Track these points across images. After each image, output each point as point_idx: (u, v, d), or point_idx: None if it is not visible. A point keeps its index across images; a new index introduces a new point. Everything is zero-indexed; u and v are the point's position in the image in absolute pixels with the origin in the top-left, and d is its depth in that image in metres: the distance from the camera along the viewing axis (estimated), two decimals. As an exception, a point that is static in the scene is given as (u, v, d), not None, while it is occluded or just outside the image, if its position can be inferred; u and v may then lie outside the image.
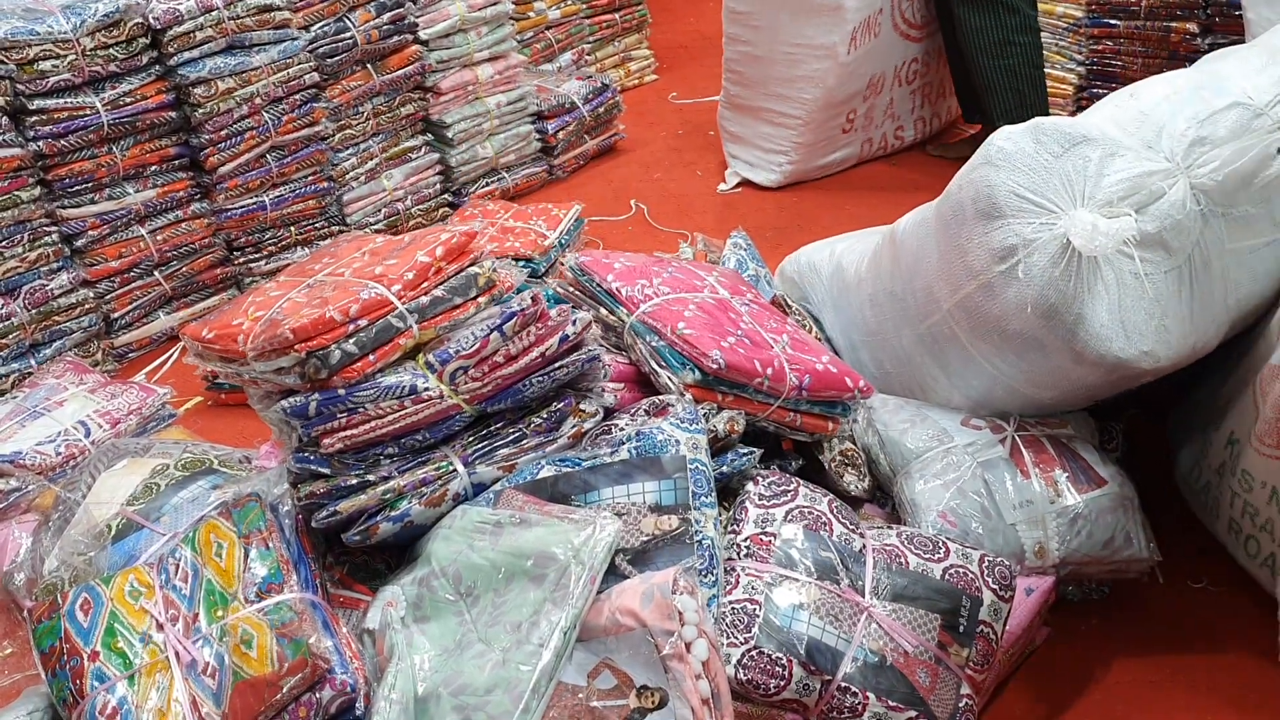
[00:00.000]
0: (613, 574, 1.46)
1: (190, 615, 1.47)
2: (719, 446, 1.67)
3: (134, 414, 2.55)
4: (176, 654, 1.43)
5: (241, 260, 3.15)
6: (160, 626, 1.46)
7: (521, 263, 2.92)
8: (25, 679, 1.90)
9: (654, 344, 1.76)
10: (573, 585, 1.41)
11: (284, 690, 1.35)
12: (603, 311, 1.85)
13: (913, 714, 1.43)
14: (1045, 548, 1.74)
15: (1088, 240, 1.57)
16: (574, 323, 1.66)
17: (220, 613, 1.46)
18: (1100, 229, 1.56)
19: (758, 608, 1.46)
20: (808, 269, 2.30)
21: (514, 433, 1.66)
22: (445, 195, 3.56)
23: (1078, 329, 1.63)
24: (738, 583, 1.49)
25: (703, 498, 1.52)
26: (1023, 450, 1.82)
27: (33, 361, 2.81)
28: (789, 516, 1.57)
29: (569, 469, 1.59)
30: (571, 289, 1.91)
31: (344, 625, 1.58)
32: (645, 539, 1.49)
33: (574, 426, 1.68)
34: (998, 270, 1.68)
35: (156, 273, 2.99)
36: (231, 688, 1.37)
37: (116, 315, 2.95)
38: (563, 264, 2.03)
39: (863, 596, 1.50)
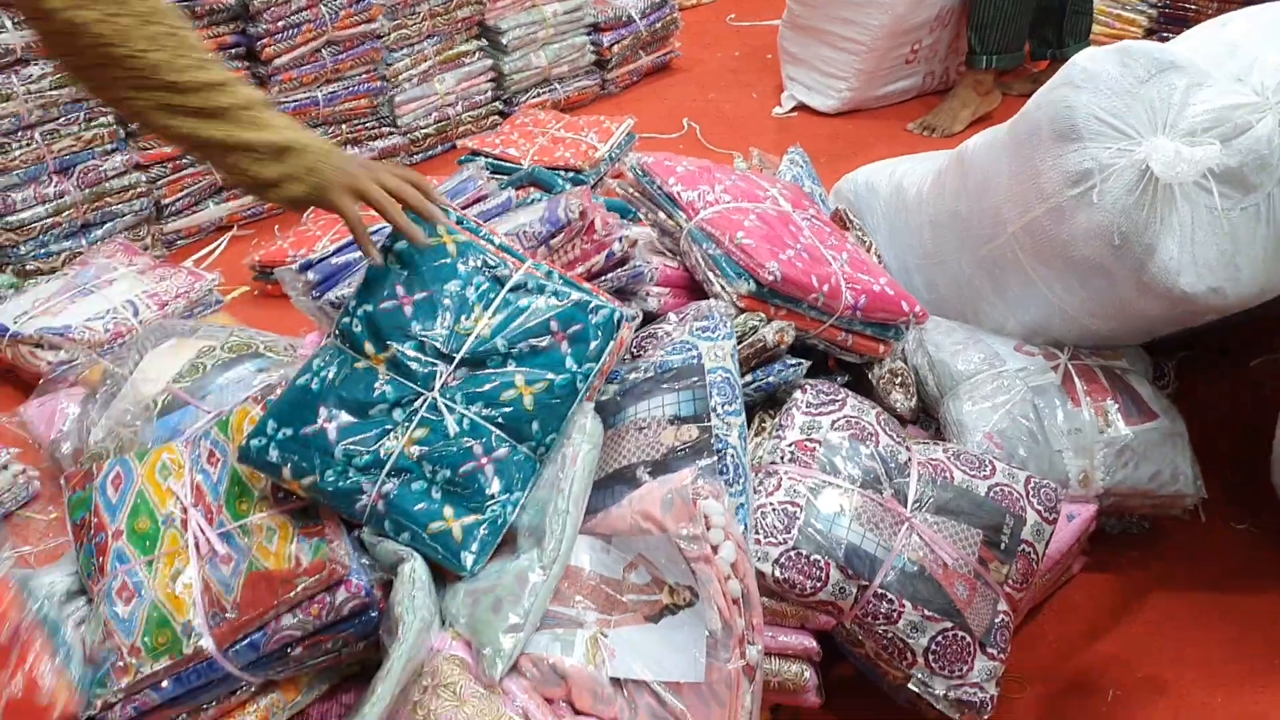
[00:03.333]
0: (634, 485, 1.45)
1: (214, 502, 1.47)
2: (767, 357, 1.65)
3: (181, 298, 2.57)
4: (197, 540, 1.43)
5: (292, 155, 3.14)
6: (184, 510, 1.46)
7: (570, 174, 2.91)
8: (69, 543, 1.93)
9: (710, 251, 1.74)
10: (565, 473, 1.41)
11: (299, 589, 1.34)
12: (661, 215, 1.83)
13: (948, 625, 1.43)
14: (1090, 477, 1.72)
15: (1169, 167, 1.53)
16: (621, 239, 1.65)
17: (244, 504, 1.45)
18: (1183, 156, 1.52)
19: (799, 510, 1.45)
20: (865, 190, 2.26)
21: None
22: (496, 104, 3.54)
23: (1147, 260, 1.60)
24: (779, 486, 1.49)
25: (726, 406, 1.50)
26: (1075, 378, 1.79)
27: (84, 241, 2.83)
28: (835, 425, 1.56)
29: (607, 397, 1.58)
30: (631, 190, 1.89)
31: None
32: (665, 451, 1.47)
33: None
34: (1070, 194, 1.64)
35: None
36: (246, 577, 1.37)
37: (167, 202, 2.96)
38: (623, 165, 2.02)
39: (905, 507, 1.49)
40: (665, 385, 1.50)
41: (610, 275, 1.66)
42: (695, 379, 1.49)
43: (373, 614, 1.39)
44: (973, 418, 1.74)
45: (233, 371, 2.06)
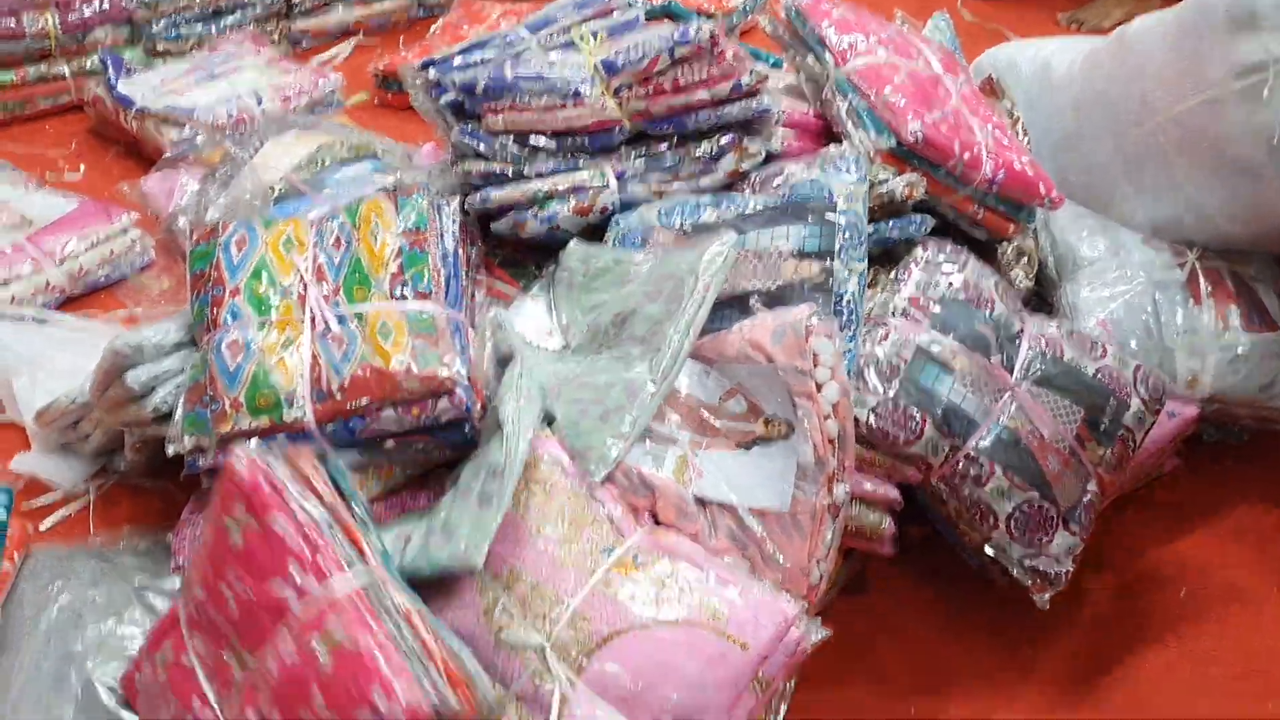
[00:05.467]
0: (747, 314, 1.45)
1: (334, 286, 1.48)
2: (892, 210, 1.62)
3: (304, 94, 2.59)
4: (313, 316, 1.44)
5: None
6: (304, 284, 1.47)
7: (703, 18, 2.85)
8: (177, 310, 1.99)
9: (854, 103, 1.69)
10: (685, 294, 1.41)
11: (404, 390, 1.36)
12: (809, 59, 1.79)
13: (1034, 495, 1.43)
14: (1199, 379, 1.69)
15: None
16: (751, 73, 1.62)
17: (361, 293, 1.46)
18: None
19: (903, 364, 1.45)
20: (1006, 66, 2.18)
21: (672, 158, 1.65)
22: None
23: (1306, 167, 1.53)
24: (887, 338, 1.48)
25: (850, 250, 1.48)
26: (1200, 278, 1.74)
27: (213, 28, 2.85)
28: (952, 286, 1.54)
29: (724, 211, 1.57)
30: (781, 30, 1.85)
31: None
32: (783, 283, 1.46)
33: (733, 164, 1.66)
34: (1235, 87, 1.57)
35: (343, -38, 2.99)
36: (356, 365, 1.38)
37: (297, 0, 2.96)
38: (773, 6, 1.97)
39: (1011, 375, 1.48)
40: (792, 216, 1.49)
41: (735, 106, 1.63)
42: (825, 216, 1.48)
43: (467, 429, 1.42)
44: (1089, 303, 1.71)
45: (351, 169, 2.09)
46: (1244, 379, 1.69)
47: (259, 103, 2.51)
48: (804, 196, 1.52)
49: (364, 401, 1.37)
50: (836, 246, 1.46)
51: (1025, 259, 1.78)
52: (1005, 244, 1.79)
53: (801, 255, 1.46)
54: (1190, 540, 1.67)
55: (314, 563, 1.14)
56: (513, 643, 1.24)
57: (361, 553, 1.18)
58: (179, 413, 1.41)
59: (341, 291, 1.48)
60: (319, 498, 1.22)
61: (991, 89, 1.95)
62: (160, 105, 2.46)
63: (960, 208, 1.72)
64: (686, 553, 1.29)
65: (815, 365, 1.32)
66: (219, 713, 1.19)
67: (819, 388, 1.32)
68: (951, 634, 1.52)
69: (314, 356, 1.40)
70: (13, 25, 2.58)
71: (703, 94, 1.61)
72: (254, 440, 1.25)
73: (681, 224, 1.58)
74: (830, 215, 1.48)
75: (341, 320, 1.44)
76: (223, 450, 1.37)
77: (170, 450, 1.40)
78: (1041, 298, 1.84)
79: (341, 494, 1.26)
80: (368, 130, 2.34)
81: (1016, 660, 1.50)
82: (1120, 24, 3.16)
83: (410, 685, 1.06)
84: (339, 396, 1.38)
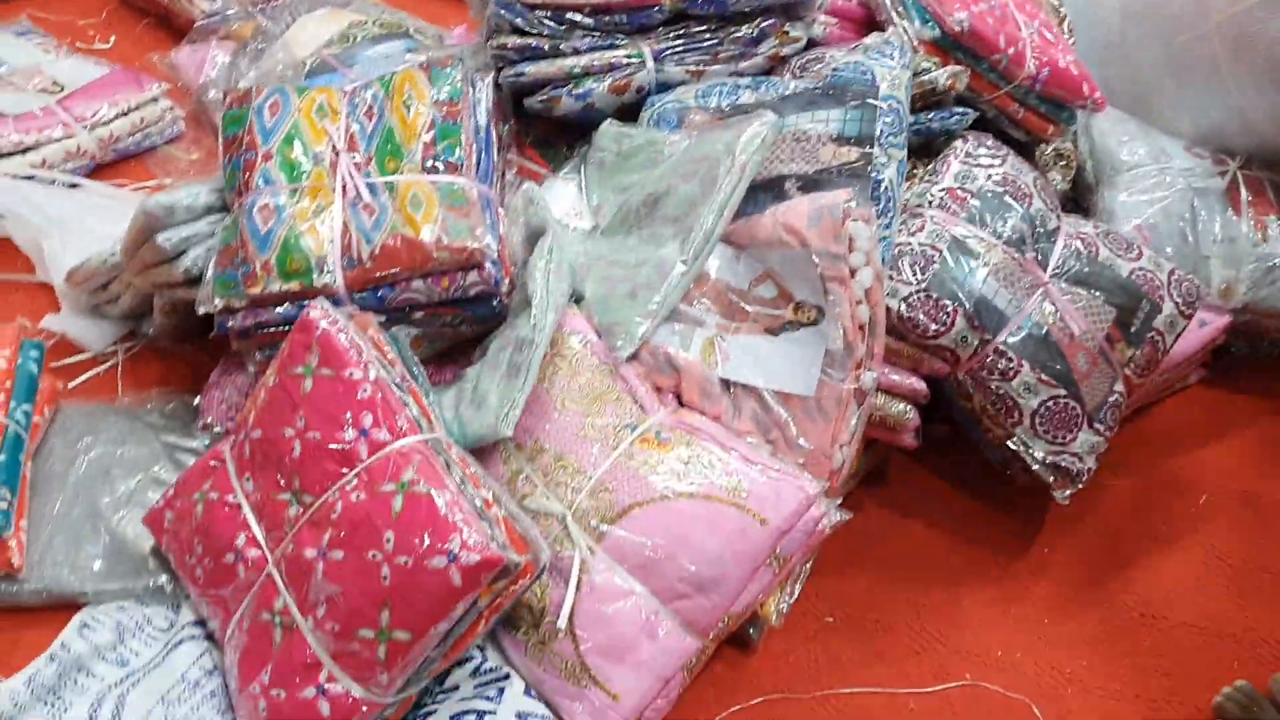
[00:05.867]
0: (782, 198, 1.44)
1: (366, 156, 1.47)
2: (934, 101, 1.60)
3: (337, -29, 2.53)
4: (344, 183, 1.43)
5: None
6: (336, 152, 1.46)
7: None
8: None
9: (900, -10, 1.66)
10: (720, 174, 1.40)
11: (434, 260, 1.36)
12: (853, -57, 1.75)
13: (1061, 392, 1.42)
14: (1233, 289, 1.67)
15: None
16: None
17: (393, 164, 1.45)
18: None
19: (937, 254, 1.43)
20: (1055, -33, 2.13)
21: (711, 39, 1.63)
22: None
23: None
24: (922, 228, 1.46)
25: (890, 136, 1.45)
26: (1241, 188, 1.72)
27: (247, -100, 2.79)
28: (990, 179, 1.52)
29: (763, 94, 1.54)
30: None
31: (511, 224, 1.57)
32: (820, 167, 1.44)
33: (773, 48, 1.63)
34: (1295, -13, 1.53)
35: None
36: (387, 234, 1.38)
37: (331, -126, 2.89)
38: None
39: (1044, 272, 1.47)
40: (832, 100, 1.46)
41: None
42: (867, 100, 1.45)
43: (495, 303, 1.42)
44: (1126, 208, 1.68)
45: (383, 46, 2.06)
46: (1279, 290, 1.67)
47: (291, -22, 2.46)
48: (845, 80, 1.49)
49: (394, 270, 1.37)
50: (877, 132, 1.43)
51: (1063, 161, 1.76)
52: (1044, 145, 1.76)
53: (840, 140, 1.44)
54: (1213, 449, 1.67)
55: (388, 417, 1.17)
56: (535, 510, 1.26)
57: (427, 415, 1.22)
58: (209, 273, 1.41)
59: (374, 161, 1.46)
60: (389, 361, 1.24)
61: (1041, -17, 1.90)
62: (193, -25, 2.42)
63: (1001, 105, 1.69)
64: (709, 432, 1.30)
65: (850, 250, 1.31)
66: (266, 548, 1.22)
67: (852, 273, 1.31)
68: (968, 530, 1.53)
69: (345, 224, 1.40)
70: (43, -110, 2.53)
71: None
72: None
73: (719, 105, 1.55)
74: (872, 100, 1.45)
75: (373, 189, 1.43)
76: (252, 312, 1.38)
77: (200, 310, 1.41)
78: (1076, 202, 1.82)
79: (404, 361, 1.28)
80: (400, 10, 2.30)
81: (1031, 558, 1.51)
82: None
83: (482, 536, 1.09)
84: (369, 264, 1.38)
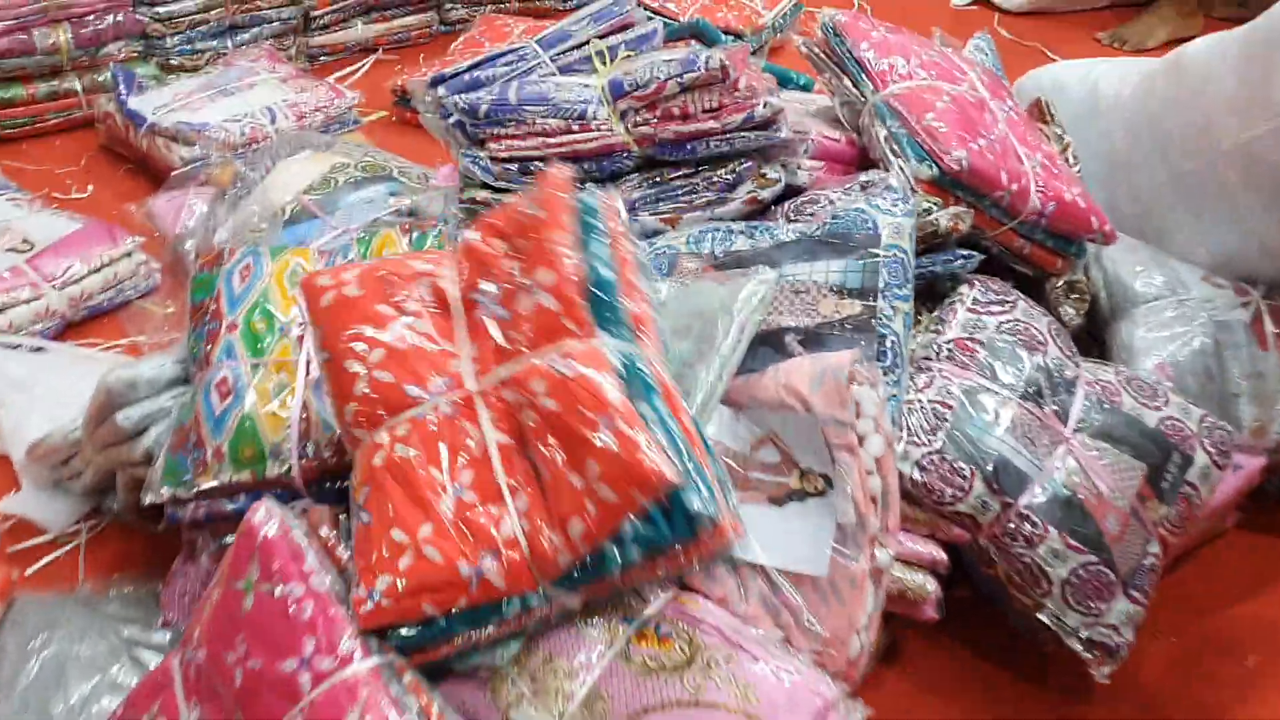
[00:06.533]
0: (782, 353, 1.35)
1: None
2: (935, 244, 1.52)
3: (320, 112, 2.51)
4: (308, 362, 1.34)
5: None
6: (303, 324, 1.37)
7: (731, 37, 2.76)
8: (182, 337, 1.90)
9: (894, 129, 1.59)
10: (719, 334, 1.31)
11: None
12: (845, 83, 1.68)
13: (1092, 559, 1.31)
14: (1266, 428, 1.57)
15: None
16: (765, 105, 1.54)
17: None
18: None
19: (949, 412, 1.34)
20: (1051, 88, 2.06)
21: (684, 185, 1.57)
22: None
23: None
24: (931, 384, 1.37)
25: (896, 289, 1.37)
26: (1266, 319, 1.63)
27: (229, 43, 2.78)
28: (1001, 328, 1.43)
29: (758, 240, 1.47)
30: (817, 50, 1.74)
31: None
32: (821, 320, 1.36)
33: (750, 192, 1.56)
34: (1310, 115, 1.46)
35: (361, -20, 2.91)
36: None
37: (316, 14, 2.89)
38: (797, 32, 1.87)
39: (1065, 426, 1.37)
40: (832, 250, 1.38)
41: (750, 134, 1.55)
42: (869, 251, 1.37)
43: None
44: (1146, 343, 1.59)
45: (365, 191, 2.00)
46: (1314, 428, 1.57)
47: (273, 120, 2.43)
48: (846, 228, 1.41)
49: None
50: (880, 284, 1.35)
51: (1077, 294, 1.67)
52: (1053, 279, 1.68)
53: (843, 292, 1.35)
54: (1257, 602, 1.55)
55: (329, 641, 1.05)
56: (522, 721, 1.14)
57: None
58: (159, 459, 1.32)
59: None
60: (340, 567, 1.13)
61: (1040, 114, 1.84)
62: (171, 121, 2.39)
63: (1005, 241, 1.61)
64: (714, 623, 1.18)
65: (858, 416, 1.21)
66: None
67: (861, 441, 1.21)
68: (999, 708, 1.41)
69: (305, 409, 1.31)
70: (24, 40, 2.51)
71: (712, 123, 1.53)
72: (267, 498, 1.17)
73: (712, 250, 1.48)
74: (874, 249, 1.37)
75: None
76: (203, 503, 1.28)
77: (145, 500, 1.31)
78: (1093, 336, 1.72)
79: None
80: (384, 150, 2.25)
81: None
82: (1165, 43, 3.09)
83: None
84: (327, 454, 1.28)
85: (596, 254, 1.18)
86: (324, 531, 1.17)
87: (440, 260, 1.24)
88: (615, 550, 1.05)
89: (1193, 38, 3.06)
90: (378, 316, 1.18)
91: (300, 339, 1.36)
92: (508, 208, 1.24)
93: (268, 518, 1.13)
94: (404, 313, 1.20)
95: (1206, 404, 1.54)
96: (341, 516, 1.19)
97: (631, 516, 1.03)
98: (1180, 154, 1.70)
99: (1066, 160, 1.75)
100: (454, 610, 1.08)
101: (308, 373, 1.33)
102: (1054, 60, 2.76)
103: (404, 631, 1.08)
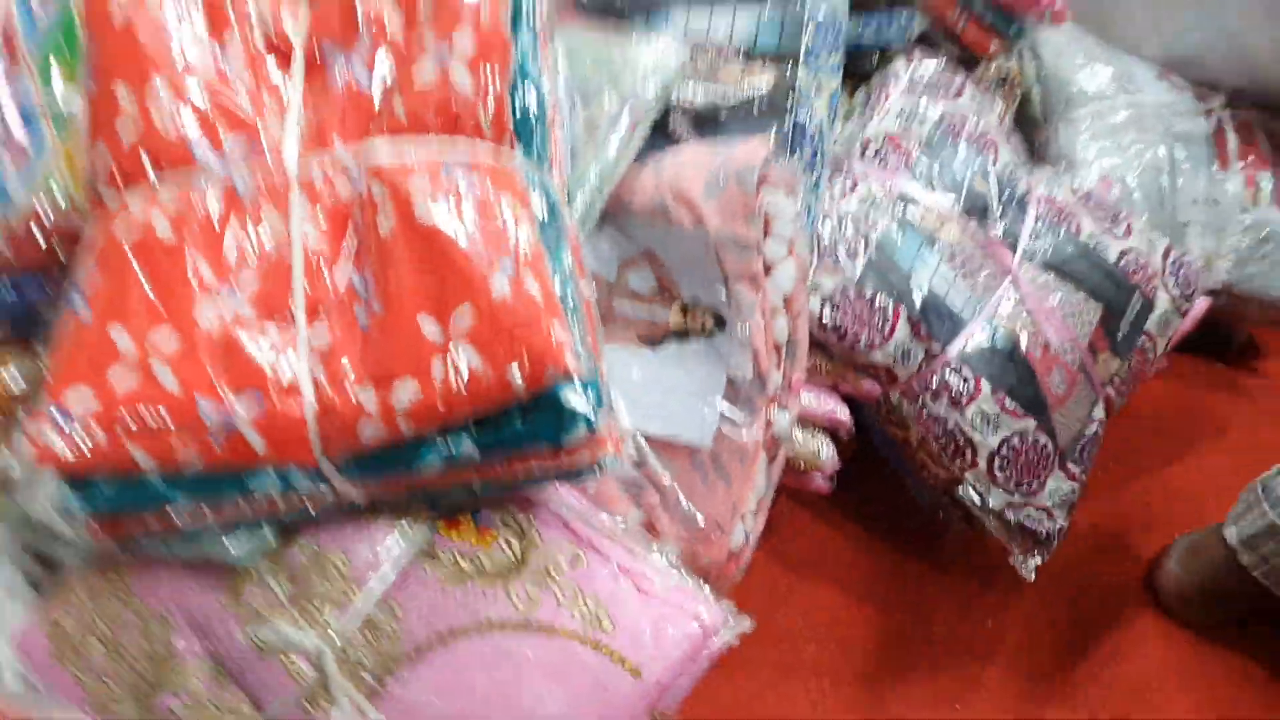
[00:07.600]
0: (666, 138, 0.99)
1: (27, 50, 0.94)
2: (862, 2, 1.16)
3: None
4: None
5: None
6: None
7: None
8: None
9: None
10: (604, 122, 0.94)
11: None
12: None
13: (1031, 424, 1.04)
14: (1213, 263, 1.32)
15: None
16: None
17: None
18: None
19: (872, 230, 1.01)
20: None
21: None
22: None
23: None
24: (852, 189, 1.04)
25: (822, 55, 1.02)
26: (1229, 133, 1.35)
27: None
28: (944, 120, 1.10)
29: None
30: None
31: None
32: (721, 95, 1.00)
33: None
34: None
35: None
36: None
37: None
38: None
39: (1012, 254, 1.07)
40: (745, -3, 1.00)
41: None
42: (790, 3, 1.00)
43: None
44: (1090, 152, 1.29)
45: None
46: (1270, 269, 1.32)
47: None
48: (759, -33, 1.03)
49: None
50: (804, 45, 0.98)
51: (1006, 84, 1.36)
52: (982, 66, 1.35)
53: (753, 55, 0.98)
54: (1186, 465, 1.34)
55: None
56: (273, 644, 0.80)
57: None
58: None
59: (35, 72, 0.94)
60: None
61: None
62: None
63: (939, 11, 1.27)
64: (554, 509, 0.86)
65: (766, 234, 0.87)
66: None
67: (768, 269, 0.88)
68: (889, 601, 1.16)
69: None
70: None
71: None
72: None
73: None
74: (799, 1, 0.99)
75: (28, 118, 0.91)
76: None
77: None
78: (1021, 132, 1.42)
79: None
80: None
81: (977, 639, 1.15)
82: None
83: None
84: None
85: (526, 46, 0.79)
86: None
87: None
88: (448, 440, 0.70)
89: None
90: (180, 42, 0.77)
91: None
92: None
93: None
94: (220, 43, 0.79)
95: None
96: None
97: (497, 399, 0.68)
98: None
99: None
100: (179, 467, 0.72)
101: None
102: None
103: (101, 485, 0.72)
